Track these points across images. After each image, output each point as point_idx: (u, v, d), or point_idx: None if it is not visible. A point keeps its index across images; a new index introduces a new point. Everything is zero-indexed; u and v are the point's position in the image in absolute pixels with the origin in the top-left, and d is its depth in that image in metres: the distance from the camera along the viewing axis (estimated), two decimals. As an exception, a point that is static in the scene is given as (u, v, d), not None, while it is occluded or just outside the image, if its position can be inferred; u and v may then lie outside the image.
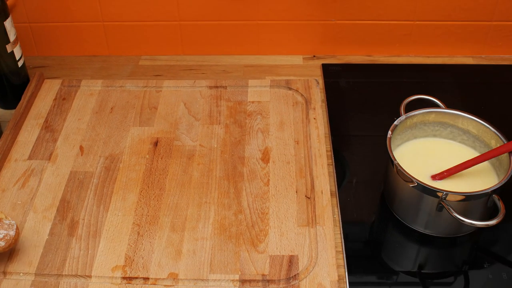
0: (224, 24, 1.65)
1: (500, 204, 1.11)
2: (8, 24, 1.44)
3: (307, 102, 1.50)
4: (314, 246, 1.17)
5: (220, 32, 1.67)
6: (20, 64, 1.52)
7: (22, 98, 1.51)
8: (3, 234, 1.13)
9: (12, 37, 1.47)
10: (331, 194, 1.29)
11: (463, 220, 1.08)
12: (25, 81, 1.56)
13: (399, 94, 1.54)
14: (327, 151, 1.39)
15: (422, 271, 1.16)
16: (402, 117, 1.25)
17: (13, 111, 1.53)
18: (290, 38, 1.68)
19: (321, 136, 1.40)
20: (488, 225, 1.08)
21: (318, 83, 1.56)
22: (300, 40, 1.68)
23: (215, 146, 1.39)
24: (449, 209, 1.10)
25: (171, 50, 1.71)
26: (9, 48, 1.47)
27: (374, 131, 1.44)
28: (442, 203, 1.12)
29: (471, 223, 1.08)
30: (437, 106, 1.29)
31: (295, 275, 1.13)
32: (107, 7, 1.62)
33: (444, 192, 1.11)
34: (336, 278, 1.12)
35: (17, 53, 1.50)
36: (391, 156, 1.18)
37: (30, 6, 1.62)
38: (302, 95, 1.52)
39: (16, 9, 1.62)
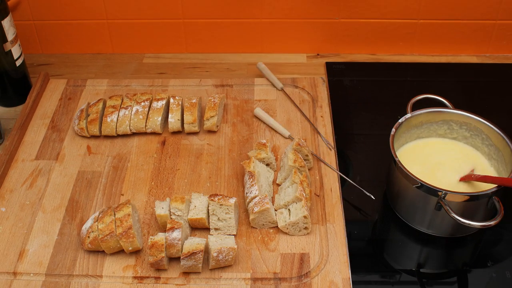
0: (228, 22, 1.65)
1: (500, 206, 1.10)
2: (6, 23, 1.43)
3: (314, 100, 1.50)
4: (325, 244, 1.18)
5: (224, 30, 1.67)
6: (18, 63, 1.51)
7: (27, 98, 1.50)
8: None
9: (10, 36, 1.46)
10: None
11: (460, 221, 1.08)
12: (25, 80, 1.56)
13: (403, 93, 1.56)
14: (331, 149, 1.40)
15: (426, 270, 1.17)
16: (407, 115, 1.25)
17: (13, 108, 1.54)
18: (294, 37, 1.68)
19: (329, 134, 1.41)
20: (485, 225, 1.08)
21: (324, 81, 1.56)
22: (304, 39, 1.68)
23: (223, 144, 1.40)
24: (448, 209, 1.10)
25: (175, 48, 1.71)
26: (6, 47, 1.46)
27: (378, 130, 1.45)
28: (440, 202, 1.12)
29: (469, 224, 1.08)
30: (445, 106, 1.29)
31: (306, 273, 1.13)
32: (111, 5, 1.62)
33: (444, 192, 1.11)
34: (348, 275, 1.13)
35: (16, 52, 1.49)
36: (393, 153, 1.18)
37: (34, 3, 1.61)
38: (308, 93, 1.52)
39: (20, 6, 1.61)
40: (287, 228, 1.19)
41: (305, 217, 1.16)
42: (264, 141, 1.31)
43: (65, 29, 1.67)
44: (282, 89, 1.50)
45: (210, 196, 1.19)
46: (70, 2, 1.61)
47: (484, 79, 1.61)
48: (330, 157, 1.36)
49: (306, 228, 1.19)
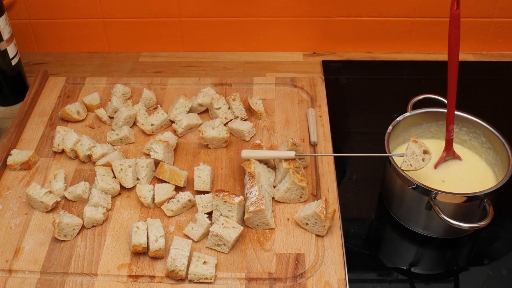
0: (224, 20, 1.65)
1: (490, 208, 1.10)
2: (1, 22, 1.43)
3: (313, 99, 1.50)
4: (321, 244, 1.18)
5: (220, 29, 1.67)
6: (14, 62, 1.51)
7: (26, 95, 1.50)
8: None
9: (6, 35, 1.45)
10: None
11: (449, 221, 1.07)
12: (21, 79, 1.56)
13: (399, 91, 1.56)
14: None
15: (423, 268, 1.16)
16: (406, 114, 1.25)
17: (9, 108, 1.54)
18: (290, 35, 1.68)
19: (327, 133, 1.41)
20: (473, 227, 1.08)
21: (323, 80, 1.56)
22: (300, 37, 1.68)
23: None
24: (437, 210, 1.09)
25: (171, 46, 1.71)
26: (2, 46, 1.46)
27: (375, 128, 1.44)
28: (431, 202, 1.11)
29: (458, 225, 1.07)
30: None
31: (301, 273, 1.13)
32: (107, 4, 1.62)
33: (434, 191, 1.10)
34: (344, 276, 1.12)
35: (11, 51, 1.49)
36: (387, 150, 1.18)
37: (30, 2, 1.61)
38: (307, 92, 1.52)
39: (16, 5, 1.61)
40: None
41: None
42: (258, 141, 1.30)
43: (61, 28, 1.67)
44: (314, 143, 1.39)
45: (216, 191, 1.19)
46: (66, 1, 1.61)
47: (480, 77, 1.61)
48: (328, 157, 1.35)
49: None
